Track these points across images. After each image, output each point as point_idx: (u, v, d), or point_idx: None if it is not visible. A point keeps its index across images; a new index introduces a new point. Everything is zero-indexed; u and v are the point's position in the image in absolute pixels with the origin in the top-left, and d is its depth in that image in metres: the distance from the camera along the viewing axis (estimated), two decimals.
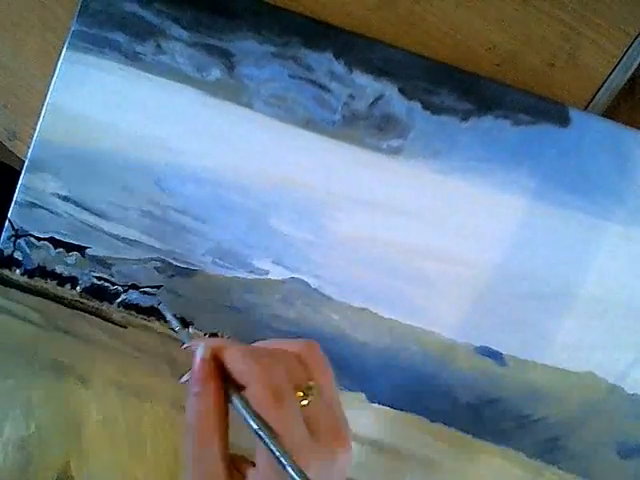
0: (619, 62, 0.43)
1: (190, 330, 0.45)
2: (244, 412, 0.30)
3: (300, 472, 0.28)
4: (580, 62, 0.43)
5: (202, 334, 0.44)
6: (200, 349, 0.32)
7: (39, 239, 0.44)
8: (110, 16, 0.44)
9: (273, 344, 0.34)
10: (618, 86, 0.44)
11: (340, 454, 0.31)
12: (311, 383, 0.31)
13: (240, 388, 0.31)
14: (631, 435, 0.43)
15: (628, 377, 0.42)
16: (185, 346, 0.35)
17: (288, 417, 0.30)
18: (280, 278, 0.44)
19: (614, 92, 0.44)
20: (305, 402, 0.31)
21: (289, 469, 0.28)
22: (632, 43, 0.43)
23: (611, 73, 0.43)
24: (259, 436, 0.29)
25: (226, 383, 0.31)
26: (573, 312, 0.42)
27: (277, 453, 0.29)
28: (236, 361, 0.31)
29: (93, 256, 0.45)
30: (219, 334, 0.44)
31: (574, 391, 0.42)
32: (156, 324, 0.45)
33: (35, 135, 0.44)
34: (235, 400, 0.31)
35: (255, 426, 0.30)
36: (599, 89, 0.43)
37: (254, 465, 0.31)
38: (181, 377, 0.33)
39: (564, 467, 0.43)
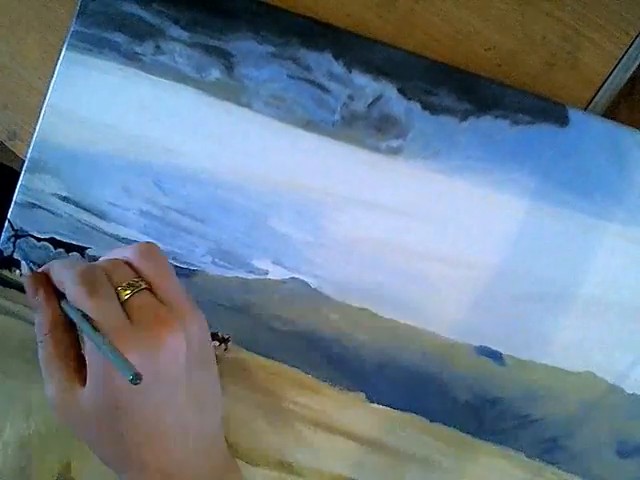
0: (619, 62, 0.43)
1: None
2: (69, 313, 0.33)
3: (115, 350, 0.30)
4: (580, 62, 0.43)
5: None
6: (25, 266, 0.39)
7: (39, 239, 0.44)
8: (109, 17, 0.44)
9: (110, 253, 0.36)
10: (618, 86, 0.43)
11: (168, 337, 0.32)
12: (136, 280, 0.33)
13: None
14: (631, 435, 0.42)
15: (628, 377, 0.42)
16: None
17: (104, 306, 0.31)
18: (280, 278, 0.44)
19: (614, 92, 0.43)
20: (127, 295, 0.32)
21: (103, 348, 0.30)
22: (632, 43, 0.42)
23: (611, 73, 0.43)
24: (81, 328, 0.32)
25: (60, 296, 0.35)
26: (572, 312, 0.42)
27: (93, 337, 0.30)
28: (56, 271, 0.35)
29: (93, 256, 0.45)
30: (219, 334, 0.44)
31: (573, 391, 0.42)
32: None
33: (35, 135, 0.44)
34: (62, 306, 0.34)
35: (76, 322, 0.32)
36: (599, 89, 0.43)
37: None
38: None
39: (564, 467, 0.42)
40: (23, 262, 0.44)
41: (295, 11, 0.43)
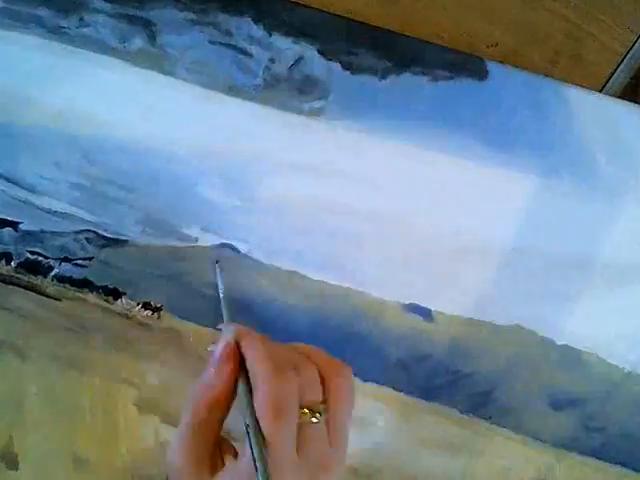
0: (623, 60, 0.42)
1: (124, 300, 0.45)
2: (244, 405, 0.30)
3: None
4: (584, 59, 0.43)
5: (135, 304, 0.44)
6: (227, 332, 0.32)
7: None
8: None
9: (304, 347, 0.33)
10: (622, 84, 0.43)
11: None
12: (321, 406, 0.31)
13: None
14: (563, 387, 0.42)
15: (558, 329, 0.42)
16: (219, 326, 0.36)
17: (282, 434, 0.29)
18: (210, 244, 0.44)
19: (618, 90, 0.43)
20: (311, 420, 0.30)
21: (258, 474, 0.28)
22: (636, 41, 0.42)
23: (615, 71, 0.43)
24: (248, 434, 0.29)
25: (243, 370, 0.31)
26: (498, 265, 0.42)
27: (257, 460, 0.29)
28: (254, 357, 0.31)
29: (26, 231, 0.45)
30: (152, 303, 0.44)
31: (503, 345, 0.42)
32: (90, 296, 0.45)
33: None
34: (241, 389, 0.31)
35: (248, 423, 0.30)
36: (603, 87, 0.43)
37: (236, 455, 0.31)
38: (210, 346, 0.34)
39: (497, 421, 0.42)
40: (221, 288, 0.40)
41: (296, 1, 0.43)
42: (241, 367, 0.32)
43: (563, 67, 0.43)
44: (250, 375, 0.31)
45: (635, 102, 0.42)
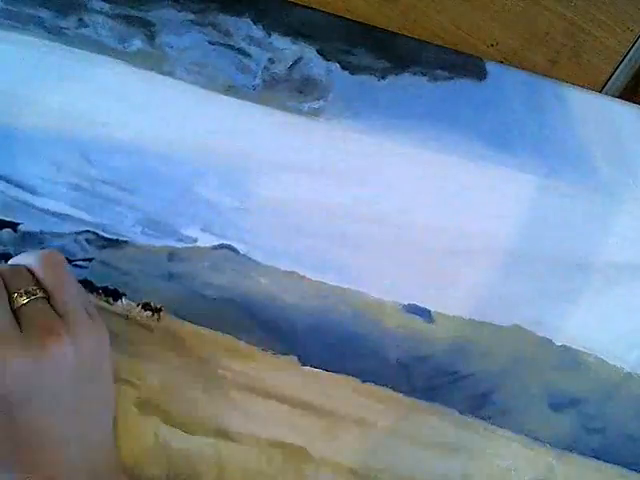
0: (623, 60, 0.42)
1: (124, 301, 0.45)
2: None
3: None
4: (584, 59, 0.42)
5: (135, 305, 0.44)
6: None
7: None
8: None
9: (13, 259, 0.36)
10: (622, 84, 0.43)
11: (54, 349, 0.32)
12: (34, 287, 0.33)
13: None
14: (562, 388, 0.42)
15: (557, 329, 0.42)
16: None
17: None
18: (209, 245, 0.44)
19: (618, 90, 0.43)
20: (24, 301, 0.32)
21: None
22: (636, 41, 0.42)
23: (615, 71, 0.42)
24: None
25: None
26: (498, 266, 0.42)
27: None
28: None
29: (25, 232, 0.45)
30: (151, 304, 0.44)
31: (502, 345, 0.42)
32: (90, 297, 0.45)
33: None
34: None
35: None
36: (603, 87, 0.43)
37: None
38: None
39: (496, 422, 0.42)
40: None
41: (297, 1, 0.42)
42: None
43: (563, 67, 0.43)
44: None
45: (635, 102, 0.42)
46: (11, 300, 0.32)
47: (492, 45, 0.43)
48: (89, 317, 0.35)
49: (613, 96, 0.43)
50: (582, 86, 0.42)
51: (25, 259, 0.35)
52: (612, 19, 0.42)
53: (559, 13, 0.42)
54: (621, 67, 0.42)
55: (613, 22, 0.42)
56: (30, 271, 0.35)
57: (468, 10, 0.43)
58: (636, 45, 0.42)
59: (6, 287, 0.33)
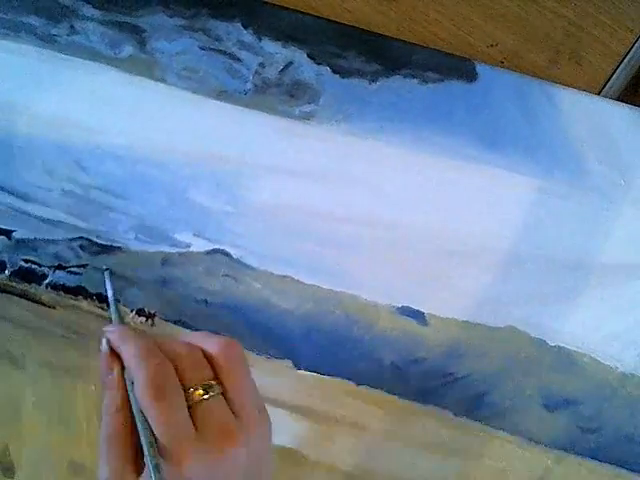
0: (623, 60, 0.42)
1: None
2: (133, 405, 0.31)
3: (156, 465, 0.28)
4: (584, 60, 0.42)
5: (129, 310, 0.44)
6: (103, 343, 0.34)
7: None
8: (24, 0, 0.44)
9: (191, 337, 0.34)
10: (622, 84, 0.42)
11: (227, 450, 0.30)
12: (212, 382, 0.32)
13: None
14: (557, 388, 0.42)
15: (551, 330, 0.42)
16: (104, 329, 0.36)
17: (167, 413, 0.30)
18: (202, 250, 0.43)
19: (618, 90, 0.42)
20: (204, 397, 0.31)
21: (147, 460, 0.29)
22: (636, 41, 0.41)
23: (615, 71, 0.42)
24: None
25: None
26: (490, 267, 0.42)
27: (143, 442, 0.29)
28: (129, 359, 0.32)
29: (19, 239, 0.45)
30: (145, 310, 0.44)
31: (496, 346, 0.42)
32: (84, 303, 0.44)
33: None
34: (130, 394, 0.32)
35: (135, 413, 0.30)
36: (603, 87, 0.42)
37: None
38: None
39: (491, 423, 0.42)
40: (110, 294, 0.40)
41: (294, 8, 0.42)
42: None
43: (563, 67, 0.42)
44: (127, 372, 0.32)
45: (635, 102, 0.42)
46: (187, 393, 0.31)
47: (492, 45, 0.43)
48: (259, 412, 0.33)
49: (613, 96, 0.42)
50: (582, 86, 0.42)
51: (203, 340, 0.33)
52: (612, 19, 0.41)
53: (559, 13, 0.42)
54: (621, 67, 0.42)
55: (613, 22, 0.41)
56: (206, 355, 0.32)
57: (468, 10, 0.42)
58: (636, 45, 0.41)
59: (181, 376, 0.31)
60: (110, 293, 0.40)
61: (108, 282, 0.41)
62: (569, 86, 0.42)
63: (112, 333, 0.34)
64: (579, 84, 0.42)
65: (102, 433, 0.32)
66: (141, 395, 0.31)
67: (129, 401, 0.32)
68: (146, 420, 0.30)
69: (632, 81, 0.42)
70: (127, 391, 0.32)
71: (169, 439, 0.30)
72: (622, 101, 0.43)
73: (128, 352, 0.33)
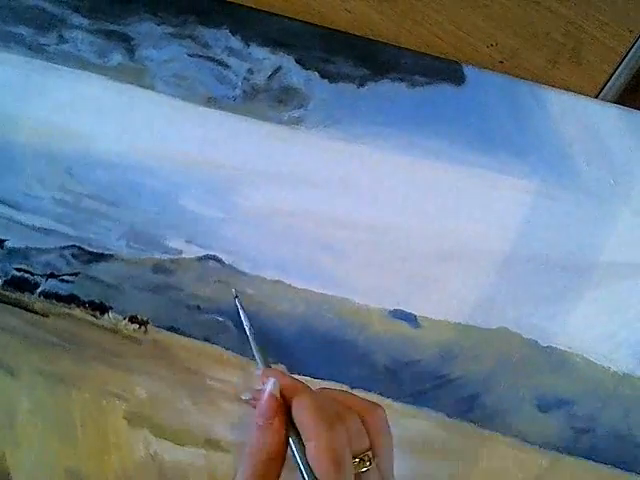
0: (623, 60, 0.42)
1: (110, 314, 0.44)
2: (299, 462, 0.30)
3: None
4: (583, 60, 0.42)
5: (121, 318, 0.44)
6: (271, 384, 0.32)
7: None
8: (13, 10, 0.44)
9: (341, 396, 0.33)
10: (622, 84, 0.42)
11: None
12: (369, 453, 0.31)
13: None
14: (550, 388, 0.42)
15: (543, 330, 0.42)
16: (258, 374, 0.35)
17: None
18: (194, 256, 0.43)
19: (618, 90, 0.42)
20: (362, 470, 0.30)
21: None
22: (636, 41, 0.41)
23: (615, 71, 0.42)
24: None
25: (289, 425, 0.31)
26: (482, 268, 0.42)
27: None
28: (303, 411, 0.31)
29: (11, 248, 0.45)
30: (138, 317, 0.44)
31: (489, 348, 0.42)
32: (77, 311, 0.44)
33: None
34: (294, 448, 0.31)
35: (305, 475, 0.30)
36: (603, 87, 0.42)
37: None
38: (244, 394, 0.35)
39: (485, 424, 0.42)
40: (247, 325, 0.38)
41: (295, 10, 0.42)
42: (289, 420, 0.31)
43: (563, 67, 0.42)
44: (300, 429, 0.31)
45: (635, 102, 0.42)
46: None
47: (492, 45, 0.42)
48: None
49: (613, 96, 0.42)
50: (582, 86, 0.42)
51: (355, 403, 0.33)
52: (612, 19, 0.41)
53: (559, 13, 0.41)
54: (621, 67, 0.41)
55: (613, 22, 0.41)
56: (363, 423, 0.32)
57: (468, 10, 0.42)
58: (636, 45, 0.41)
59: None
60: (247, 325, 0.38)
61: (242, 313, 0.39)
62: (569, 86, 0.42)
63: (282, 379, 0.33)
64: (579, 84, 0.42)
65: (243, 471, 0.31)
66: (320, 460, 0.29)
67: (281, 452, 0.31)
68: None
69: (632, 81, 0.42)
70: (282, 442, 0.31)
71: None
72: (622, 101, 0.42)
73: (304, 409, 0.31)
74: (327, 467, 0.29)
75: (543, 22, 0.42)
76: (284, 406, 0.32)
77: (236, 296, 0.40)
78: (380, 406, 0.33)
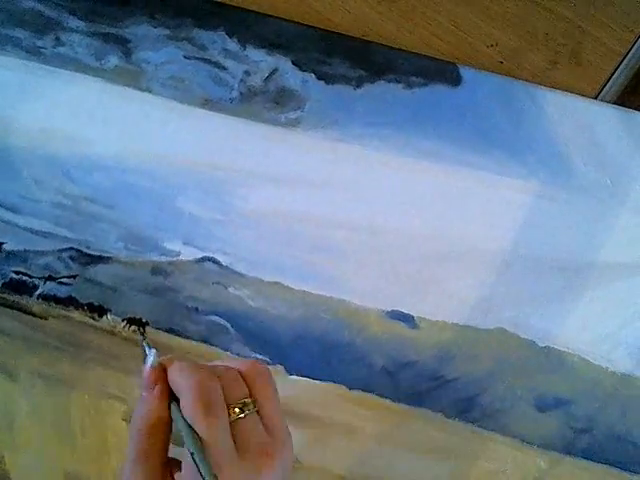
0: (623, 60, 0.41)
1: (109, 316, 0.44)
2: (177, 419, 0.31)
3: (208, 469, 0.28)
4: (583, 60, 0.41)
5: (120, 320, 0.44)
6: (150, 357, 0.33)
7: None
8: (9, 13, 0.44)
9: (222, 363, 0.34)
10: (622, 84, 0.42)
11: (264, 471, 0.31)
12: (247, 400, 0.32)
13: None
14: (548, 388, 0.41)
15: (540, 330, 0.42)
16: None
17: (216, 429, 0.30)
18: (192, 258, 0.43)
19: (618, 90, 0.42)
20: (240, 416, 0.31)
21: (204, 475, 0.28)
22: (636, 41, 0.41)
23: (615, 71, 0.41)
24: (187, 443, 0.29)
25: (172, 394, 0.32)
26: (479, 269, 0.41)
27: (197, 461, 0.29)
28: (175, 373, 0.32)
29: (10, 251, 0.44)
30: (137, 318, 0.44)
31: (486, 348, 0.41)
32: (75, 313, 0.44)
33: None
34: (172, 407, 0.31)
35: (183, 433, 0.30)
36: (603, 87, 0.42)
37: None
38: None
39: (483, 425, 0.41)
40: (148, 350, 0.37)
41: (295, 11, 0.42)
42: (170, 390, 0.32)
43: (563, 67, 0.42)
44: (175, 390, 0.31)
45: (635, 102, 0.41)
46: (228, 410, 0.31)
47: (492, 45, 0.42)
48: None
49: (613, 96, 0.42)
50: (582, 86, 0.42)
51: (234, 362, 0.33)
52: (612, 19, 0.41)
53: (559, 13, 0.41)
54: (621, 67, 0.41)
55: (613, 22, 0.41)
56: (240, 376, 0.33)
57: (467, 10, 0.42)
58: (636, 45, 0.41)
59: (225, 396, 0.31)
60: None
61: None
62: (569, 86, 0.42)
63: (159, 358, 0.33)
64: (579, 84, 0.42)
65: (131, 450, 0.31)
66: (191, 409, 0.30)
67: (164, 418, 0.32)
68: (197, 434, 0.29)
69: (632, 81, 0.42)
70: (165, 409, 0.32)
71: (213, 453, 0.29)
72: (622, 101, 0.42)
73: (174, 367, 0.32)
74: (198, 414, 0.29)
75: (543, 22, 0.41)
76: (164, 379, 0.32)
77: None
78: (260, 362, 0.34)
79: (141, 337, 0.39)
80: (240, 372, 0.33)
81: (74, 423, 0.45)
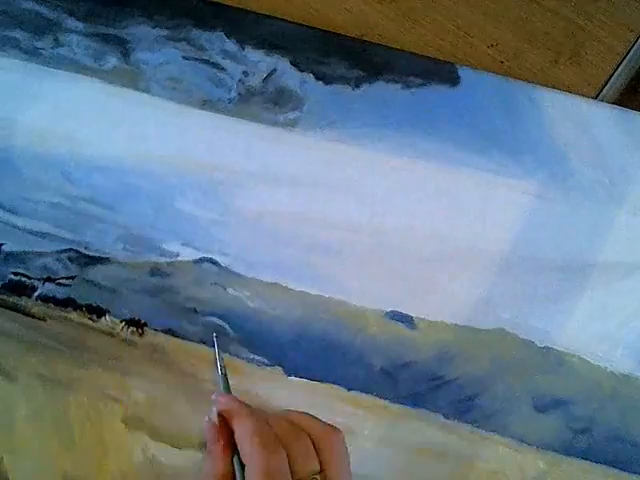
0: (623, 59, 0.41)
1: (108, 317, 0.44)
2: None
3: None
4: (584, 59, 0.41)
5: (118, 321, 0.44)
6: (211, 410, 0.33)
7: None
8: (8, 15, 0.44)
9: (297, 419, 0.33)
10: (623, 84, 0.42)
11: None
12: (317, 476, 0.31)
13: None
14: (546, 389, 0.41)
15: (539, 331, 0.41)
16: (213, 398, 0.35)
17: None
18: (190, 259, 0.43)
19: (619, 89, 0.42)
20: None
21: None
22: (636, 41, 0.41)
23: (615, 70, 0.41)
24: None
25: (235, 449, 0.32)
26: (478, 269, 0.41)
27: None
28: (241, 436, 0.32)
29: (8, 252, 0.44)
30: (136, 320, 0.44)
31: (485, 348, 0.41)
32: (74, 315, 0.44)
33: None
34: (237, 473, 0.32)
35: None
36: (604, 86, 0.42)
37: None
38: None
39: (482, 425, 0.41)
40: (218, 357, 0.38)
41: (294, 8, 0.42)
42: (232, 442, 0.32)
43: (563, 67, 0.42)
44: (240, 453, 0.31)
45: (635, 102, 0.41)
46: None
47: (492, 45, 0.42)
48: None
49: (613, 95, 0.42)
50: (582, 86, 0.42)
51: (309, 425, 0.33)
52: (612, 19, 0.41)
53: (559, 13, 0.41)
54: (621, 67, 0.41)
55: (613, 22, 0.41)
56: (312, 440, 0.32)
57: (468, 10, 0.42)
58: (636, 45, 0.41)
59: (291, 467, 0.31)
60: (219, 363, 0.38)
61: (217, 349, 0.39)
62: (569, 86, 0.42)
63: (223, 404, 0.33)
64: (579, 84, 0.42)
65: None
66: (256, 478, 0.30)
67: (230, 473, 0.32)
68: None
69: (632, 81, 0.42)
70: (229, 463, 0.32)
71: None
72: (622, 101, 0.42)
73: (244, 433, 0.32)
74: None
75: (543, 22, 0.41)
76: (227, 431, 0.32)
77: (216, 336, 0.40)
78: (337, 429, 0.33)
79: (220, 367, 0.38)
80: (311, 436, 0.32)
81: (73, 425, 0.45)
